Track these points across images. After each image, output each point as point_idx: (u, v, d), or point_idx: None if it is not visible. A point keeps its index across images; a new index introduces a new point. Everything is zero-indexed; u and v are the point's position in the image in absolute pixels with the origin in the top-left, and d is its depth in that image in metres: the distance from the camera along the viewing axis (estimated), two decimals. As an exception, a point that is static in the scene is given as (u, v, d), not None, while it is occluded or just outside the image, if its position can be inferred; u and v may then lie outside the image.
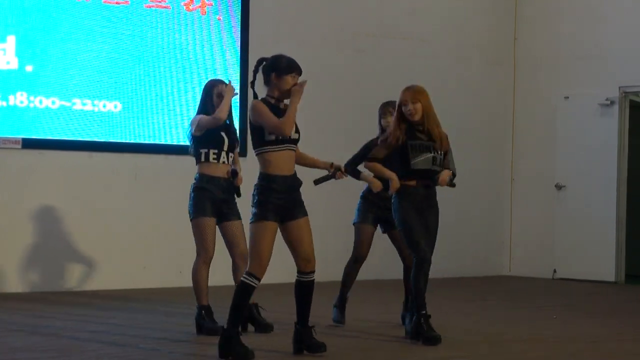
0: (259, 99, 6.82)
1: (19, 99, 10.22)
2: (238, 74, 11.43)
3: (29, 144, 10.28)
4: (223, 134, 7.68)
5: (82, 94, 10.52)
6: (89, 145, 10.57)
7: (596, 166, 12.82)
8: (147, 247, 10.97)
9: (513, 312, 9.48)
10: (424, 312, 7.37)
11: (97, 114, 10.61)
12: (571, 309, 10.09)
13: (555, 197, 13.21)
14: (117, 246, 10.75)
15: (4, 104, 10.15)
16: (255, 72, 6.91)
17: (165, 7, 11.04)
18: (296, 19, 12.06)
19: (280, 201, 6.62)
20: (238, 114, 11.35)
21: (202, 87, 7.92)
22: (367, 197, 8.25)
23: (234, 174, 7.69)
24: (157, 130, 10.96)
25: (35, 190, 10.37)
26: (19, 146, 10.22)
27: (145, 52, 10.93)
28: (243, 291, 6.51)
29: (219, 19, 11.36)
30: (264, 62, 6.89)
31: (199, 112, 7.74)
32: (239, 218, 7.69)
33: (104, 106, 10.65)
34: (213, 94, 7.71)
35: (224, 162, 7.66)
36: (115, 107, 10.70)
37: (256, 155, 6.70)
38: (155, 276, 10.96)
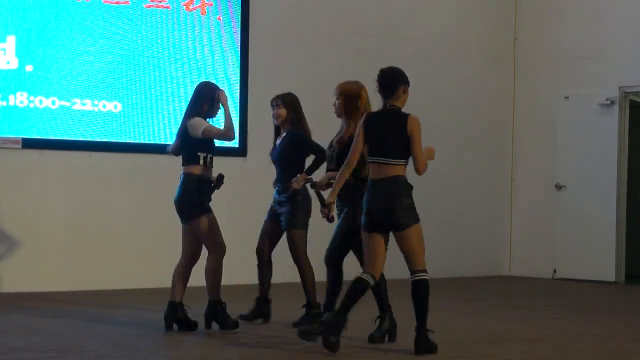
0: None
1: (19, 99, 10.22)
2: (238, 74, 11.43)
3: (29, 144, 10.28)
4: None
5: (82, 94, 10.52)
6: (89, 145, 10.57)
7: (596, 166, 12.82)
8: (147, 247, 10.96)
9: (513, 312, 9.48)
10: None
11: (97, 114, 10.61)
12: (571, 309, 10.10)
13: (555, 197, 13.21)
14: (117, 246, 10.75)
15: (4, 104, 10.15)
16: None
17: (165, 7, 11.04)
18: (296, 19, 12.05)
19: None
20: (238, 115, 11.36)
21: (196, 86, 7.94)
22: None
23: (222, 178, 7.70)
24: (157, 130, 10.96)
25: (35, 190, 10.37)
26: (19, 146, 10.22)
27: (145, 52, 10.93)
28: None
29: (219, 19, 11.36)
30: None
31: (190, 113, 7.72)
32: None
33: (104, 106, 10.65)
34: (213, 98, 7.68)
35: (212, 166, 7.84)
36: (115, 107, 10.69)
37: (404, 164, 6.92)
38: (155, 276, 10.94)
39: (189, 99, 7.89)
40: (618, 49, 12.78)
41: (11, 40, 10.19)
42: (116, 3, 10.74)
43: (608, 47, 12.87)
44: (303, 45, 12.07)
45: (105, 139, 10.65)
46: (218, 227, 7.73)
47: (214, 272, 7.73)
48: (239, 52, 11.45)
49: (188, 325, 7.67)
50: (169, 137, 11.01)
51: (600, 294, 11.62)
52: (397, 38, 12.76)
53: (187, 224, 7.77)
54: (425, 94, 11.97)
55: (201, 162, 7.69)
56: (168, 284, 10.91)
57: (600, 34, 12.97)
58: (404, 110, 7.13)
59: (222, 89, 7.90)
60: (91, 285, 10.57)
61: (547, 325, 8.66)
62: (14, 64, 10.20)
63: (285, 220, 8.16)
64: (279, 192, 8.28)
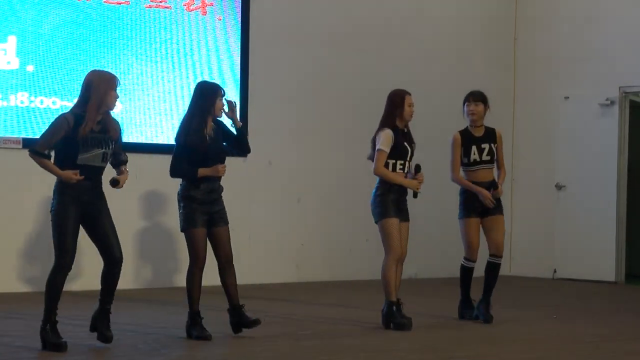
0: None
1: (20, 99, 10.23)
2: (238, 74, 11.44)
3: (30, 144, 10.24)
4: None
5: (82, 94, 10.51)
6: (90, 145, 10.56)
7: (596, 166, 12.82)
8: (148, 247, 10.97)
9: (513, 312, 9.49)
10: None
11: (98, 114, 10.60)
12: (571, 309, 10.10)
13: (555, 197, 13.22)
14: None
15: (5, 104, 10.16)
16: None
17: (165, 7, 11.04)
18: (296, 20, 12.06)
19: None
20: (238, 114, 11.35)
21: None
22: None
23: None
24: (158, 130, 10.97)
25: (36, 190, 10.37)
26: (20, 146, 10.22)
27: (146, 53, 10.93)
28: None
29: (220, 20, 11.36)
30: None
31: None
32: None
33: (104, 106, 10.64)
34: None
35: None
36: (116, 107, 10.68)
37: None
38: (155, 276, 10.97)
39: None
40: (618, 49, 12.78)
41: (12, 40, 10.19)
42: (117, 3, 10.75)
43: (608, 47, 12.88)
44: (303, 45, 12.08)
45: (105, 139, 10.65)
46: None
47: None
48: (239, 52, 11.46)
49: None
50: (169, 137, 11.02)
51: (600, 294, 11.62)
52: (397, 38, 12.77)
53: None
54: (425, 94, 11.97)
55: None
56: (168, 284, 10.96)
57: (600, 34, 12.98)
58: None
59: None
60: (91, 285, 10.55)
61: (547, 325, 8.66)
62: (14, 64, 10.21)
63: None
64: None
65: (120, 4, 10.77)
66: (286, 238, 11.81)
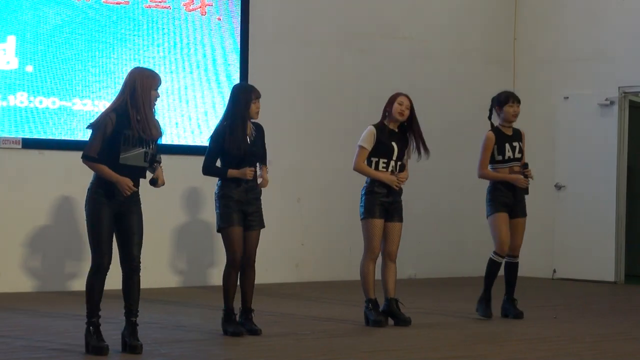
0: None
1: (19, 99, 10.22)
2: (238, 75, 11.43)
3: (29, 144, 10.29)
4: None
5: (82, 94, 10.52)
6: (89, 146, 10.56)
7: (596, 166, 12.82)
8: (148, 247, 10.93)
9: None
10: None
11: (97, 114, 10.58)
12: (571, 309, 10.10)
13: (555, 197, 13.21)
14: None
15: (4, 104, 10.15)
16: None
17: (165, 8, 11.04)
18: (296, 20, 12.05)
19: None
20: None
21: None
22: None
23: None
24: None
25: (36, 190, 10.37)
26: (19, 146, 10.22)
27: (146, 53, 10.92)
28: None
29: (219, 20, 11.36)
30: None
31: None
32: None
33: (104, 106, 10.60)
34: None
35: None
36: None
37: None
38: (155, 276, 10.95)
39: None
40: (618, 49, 12.78)
41: (11, 40, 10.19)
42: (116, 3, 10.74)
43: (608, 47, 12.87)
44: (303, 45, 12.07)
45: (105, 139, 10.64)
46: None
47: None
48: (239, 52, 11.45)
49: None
50: (168, 138, 11.02)
51: (600, 294, 11.62)
52: (397, 38, 12.77)
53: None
54: (425, 94, 11.97)
55: None
56: (168, 284, 10.95)
57: (600, 34, 12.97)
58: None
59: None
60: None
61: (547, 325, 8.67)
62: (14, 64, 10.21)
63: None
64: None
65: (119, 4, 10.76)
66: (286, 238, 11.80)
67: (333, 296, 10.61)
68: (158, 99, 6.82)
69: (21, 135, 10.23)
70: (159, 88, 6.83)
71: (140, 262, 6.85)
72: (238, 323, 7.68)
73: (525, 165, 9.01)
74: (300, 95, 12.14)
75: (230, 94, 7.85)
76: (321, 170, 12.10)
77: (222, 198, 7.70)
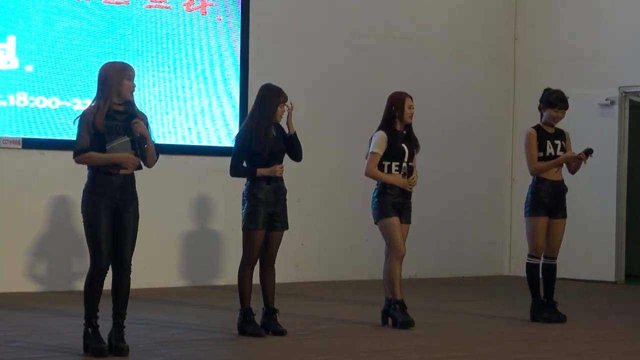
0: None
1: (19, 99, 10.22)
2: (238, 74, 11.43)
3: (29, 144, 10.29)
4: None
5: (82, 94, 10.51)
6: (90, 146, 10.56)
7: (596, 166, 12.74)
8: (148, 247, 10.94)
9: (513, 312, 9.48)
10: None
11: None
12: (571, 309, 10.08)
13: (555, 197, 13.18)
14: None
15: (4, 104, 10.15)
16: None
17: (165, 7, 11.04)
18: (296, 20, 12.05)
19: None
20: (238, 114, 11.36)
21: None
22: None
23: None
24: (157, 131, 10.95)
25: (36, 191, 10.37)
26: (19, 146, 10.22)
27: (146, 52, 10.92)
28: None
29: (220, 19, 11.36)
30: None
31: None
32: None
33: (104, 106, 10.64)
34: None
35: None
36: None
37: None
38: (155, 276, 10.95)
39: None
40: (618, 49, 12.77)
41: (11, 40, 10.19)
42: (116, 3, 10.74)
43: (608, 47, 12.87)
44: (303, 45, 12.07)
45: (105, 139, 10.64)
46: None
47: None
48: (240, 52, 11.45)
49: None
50: (168, 138, 11.02)
51: (600, 294, 11.62)
52: (397, 38, 12.76)
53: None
54: (425, 94, 11.96)
55: None
56: (168, 284, 10.95)
57: (600, 34, 12.97)
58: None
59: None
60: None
61: (547, 325, 8.67)
62: (14, 64, 10.21)
63: None
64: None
65: (119, 3, 10.76)
66: (286, 238, 11.75)
67: (333, 296, 10.61)
68: (134, 89, 6.85)
69: (21, 136, 10.23)
70: (133, 79, 6.85)
71: (131, 265, 6.81)
72: (258, 324, 7.65)
73: (590, 151, 8.89)
74: (300, 95, 12.08)
75: (258, 94, 7.84)
76: (321, 170, 12.10)
77: (250, 199, 7.76)
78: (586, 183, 12.86)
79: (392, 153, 8.25)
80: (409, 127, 8.38)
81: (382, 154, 8.25)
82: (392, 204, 8.22)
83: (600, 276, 12.68)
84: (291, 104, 7.97)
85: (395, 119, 8.31)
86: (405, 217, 8.32)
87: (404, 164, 8.27)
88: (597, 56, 12.93)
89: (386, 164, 8.26)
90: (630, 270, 12.95)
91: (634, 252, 13.12)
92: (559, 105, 8.92)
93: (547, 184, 8.89)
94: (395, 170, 8.25)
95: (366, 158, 8.38)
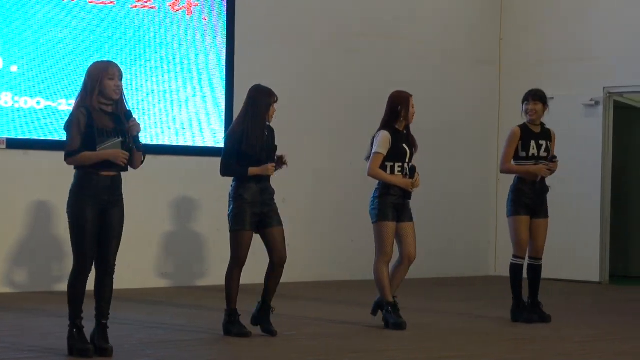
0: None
1: (4, 99, 10.16)
2: (224, 75, 11.40)
3: (14, 144, 10.22)
4: None
5: (67, 94, 10.45)
6: (74, 146, 10.50)
7: (581, 166, 12.83)
8: (132, 247, 10.88)
9: (503, 312, 9.47)
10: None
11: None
12: (557, 309, 10.09)
13: (540, 198, 13.20)
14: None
15: (-11, 104, 10.10)
16: None
17: (151, 8, 10.99)
18: (282, 20, 12.02)
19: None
20: (224, 115, 11.33)
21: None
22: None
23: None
24: (143, 130, 10.88)
25: (20, 191, 10.31)
26: (4, 146, 10.16)
27: (131, 53, 10.88)
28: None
29: (205, 20, 11.32)
30: None
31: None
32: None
33: (89, 106, 10.59)
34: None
35: None
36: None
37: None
38: (139, 276, 10.90)
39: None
40: (603, 50, 12.81)
41: (-5, 40, 10.14)
42: (102, 3, 10.69)
43: (593, 48, 12.90)
44: (290, 45, 12.04)
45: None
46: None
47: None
48: (225, 52, 11.42)
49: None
50: (154, 138, 10.97)
51: (585, 294, 11.65)
52: (385, 39, 12.75)
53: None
54: (412, 94, 11.94)
55: None
56: (151, 284, 10.90)
57: (585, 35, 13.00)
58: None
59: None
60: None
61: (536, 325, 8.67)
62: (-2, 63, 10.16)
63: None
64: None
65: (105, 4, 10.71)
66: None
67: (320, 296, 10.59)
68: (118, 89, 6.72)
69: (5, 136, 10.17)
70: (120, 79, 6.75)
71: (115, 265, 6.75)
72: (244, 324, 7.59)
73: (554, 157, 8.85)
74: (285, 96, 12.02)
75: (249, 95, 7.74)
76: (306, 170, 12.07)
77: (237, 199, 7.66)
78: (571, 183, 12.90)
79: (395, 154, 8.20)
80: (407, 127, 8.36)
81: (385, 154, 8.19)
82: (393, 205, 8.18)
83: (585, 276, 12.70)
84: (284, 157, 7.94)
85: (400, 119, 8.27)
86: (407, 217, 8.30)
87: (406, 165, 8.25)
88: (582, 57, 12.96)
89: (389, 164, 8.20)
90: (614, 270, 12.98)
91: (619, 253, 13.16)
92: (529, 99, 8.93)
93: (528, 184, 8.87)
94: (398, 172, 8.20)
95: (367, 158, 8.31)
